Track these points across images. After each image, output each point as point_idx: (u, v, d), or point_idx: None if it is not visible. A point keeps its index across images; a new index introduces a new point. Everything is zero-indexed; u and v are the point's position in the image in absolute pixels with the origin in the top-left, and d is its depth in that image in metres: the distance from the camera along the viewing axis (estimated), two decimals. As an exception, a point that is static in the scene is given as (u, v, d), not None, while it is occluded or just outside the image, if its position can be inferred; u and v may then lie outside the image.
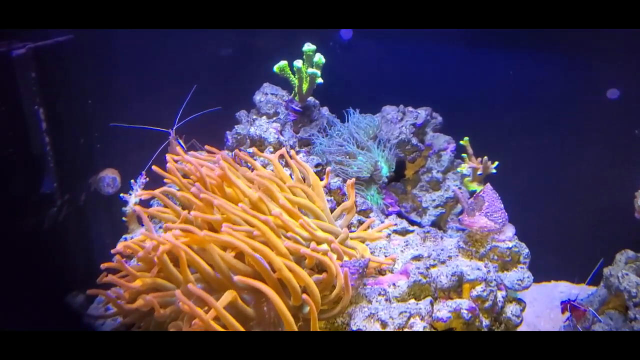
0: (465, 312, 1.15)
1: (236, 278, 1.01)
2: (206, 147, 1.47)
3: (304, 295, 1.01)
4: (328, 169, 1.47)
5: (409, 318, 1.11)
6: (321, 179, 1.53)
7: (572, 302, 1.43)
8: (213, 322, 0.97)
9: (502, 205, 1.41)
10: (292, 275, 1.03)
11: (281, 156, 1.44)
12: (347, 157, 1.74)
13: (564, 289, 1.92)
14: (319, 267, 1.14)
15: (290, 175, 1.40)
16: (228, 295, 1.03)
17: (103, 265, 1.17)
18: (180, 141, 1.67)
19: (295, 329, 1.01)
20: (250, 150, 1.82)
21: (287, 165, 1.44)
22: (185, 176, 1.32)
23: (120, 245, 1.22)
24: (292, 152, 1.43)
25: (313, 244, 1.12)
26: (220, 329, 0.98)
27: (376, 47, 2.12)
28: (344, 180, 1.73)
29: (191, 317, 0.98)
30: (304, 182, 1.39)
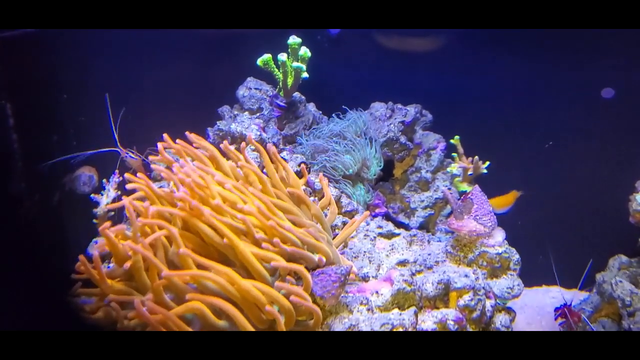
0: (452, 323, 1.09)
1: (188, 296, 0.93)
2: (178, 140, 1.39)
3: (268, 307, 0.94)
4: (302, 166, 1.40)
5: (391, 330, 1.05)
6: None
7: (567, 307, 1.38)
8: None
9: (491, 208, 1.35)
10: (263, 295, 0.97)
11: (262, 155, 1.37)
12: (334, 155, 1.68)
13: (555, 294, 1.86)
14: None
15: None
16: (192, 305, 0.96)
17: (75, 276, 1.10)
18: (132, 154, 1.60)
19: None
20: (232, 147, 1.74)
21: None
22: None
23: (94, 251, 1.14)
24: (273, 148, 1.35)
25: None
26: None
27: (366, 41, 2.04)
28: (330, 179, 1.66)
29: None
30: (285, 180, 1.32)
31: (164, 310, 0.92)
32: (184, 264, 1.00)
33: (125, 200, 1.09)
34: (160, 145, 1.26)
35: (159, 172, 1.20)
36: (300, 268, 1.02)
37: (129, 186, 1.16)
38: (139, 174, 1.16)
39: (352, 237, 1.45)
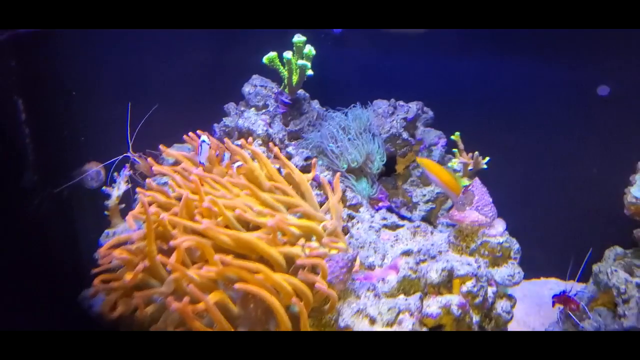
0: (456, 308, 1.14)
1: (237, 286, 0.98)
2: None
3: (295, 299, 1.00)
4: (314, 160, 1.44)
5: (398, 314, 1.09)
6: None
7: (566, 294, 1.42)
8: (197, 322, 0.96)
9: (491, 199, 1.40)
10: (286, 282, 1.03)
11: (269, 150, 1.41)
12: (338, 149, 1.72)
13: (553, 285, 1.92)
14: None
15: (279, 169, 1.37)
16: (216, 295, 1.01)
17: (94, 271, 1.15)
18: (138, 160, 1.63)
19: (290, 329, 0.99)
20: (239, 142, 1.78)
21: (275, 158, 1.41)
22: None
23: (104, 249, 1.18)
24: (276, 149, 1.39)
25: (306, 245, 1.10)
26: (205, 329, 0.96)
27: (368, 40, 2.09)
28: (334, 174, 1.70)
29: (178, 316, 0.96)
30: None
31: (205, 297, 0.97)
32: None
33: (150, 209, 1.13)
34: (151, 161, 1.32)
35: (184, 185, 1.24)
36: (319, 261, 1.07)
37: (137, 193, 1.21)
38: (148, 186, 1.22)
39: (358, 229, 1.49)
